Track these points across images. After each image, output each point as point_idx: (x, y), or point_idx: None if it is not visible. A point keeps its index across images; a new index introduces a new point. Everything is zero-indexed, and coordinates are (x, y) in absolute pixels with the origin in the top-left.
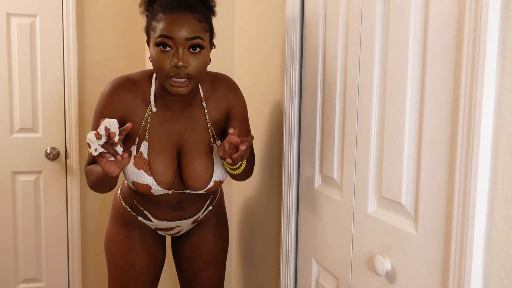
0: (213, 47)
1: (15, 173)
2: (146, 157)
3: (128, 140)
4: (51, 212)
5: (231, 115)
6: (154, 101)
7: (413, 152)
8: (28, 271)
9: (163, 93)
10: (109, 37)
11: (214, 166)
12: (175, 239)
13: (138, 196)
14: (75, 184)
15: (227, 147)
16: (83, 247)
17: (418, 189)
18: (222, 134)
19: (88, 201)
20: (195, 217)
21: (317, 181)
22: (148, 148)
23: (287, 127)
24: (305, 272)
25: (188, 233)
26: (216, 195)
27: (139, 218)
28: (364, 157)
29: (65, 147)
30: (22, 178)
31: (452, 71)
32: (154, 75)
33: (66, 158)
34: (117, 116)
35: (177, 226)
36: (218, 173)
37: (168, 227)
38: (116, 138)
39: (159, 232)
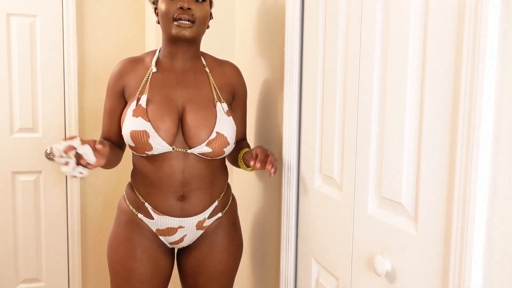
0: (211, 16)
1: (15, 173)
2: (144, 106)
3: (128, 104)
4: (51, 212)
5: (236, 96)
6: (156, 64)
7: (413, 152)
8: (28, 271)
9: (166, 57)
10: (109, 37)
11: (217, 119)
12: (180, 252)
13: (139, 182)
14: (75, 184)
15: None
16: (83, 247)
17: (418, 189)
18: (230, 107)
19: (88, 201)
20: (200, 219)
21: (317, 181)
22: (147, 100)
23: (287, 127)
24: (305, 272)
25: (194, 245)
26: (226, 201)
27: (139, 215)
28: (364, 157)
29: None
30: (22, 178)
31: (452, 70)
32: (159, 48)
33: None
34: (120, 86)
35: (179, 228)
36: (220, 126)
37: (170, 227)
38: (84, 151)
39: (161, 238)
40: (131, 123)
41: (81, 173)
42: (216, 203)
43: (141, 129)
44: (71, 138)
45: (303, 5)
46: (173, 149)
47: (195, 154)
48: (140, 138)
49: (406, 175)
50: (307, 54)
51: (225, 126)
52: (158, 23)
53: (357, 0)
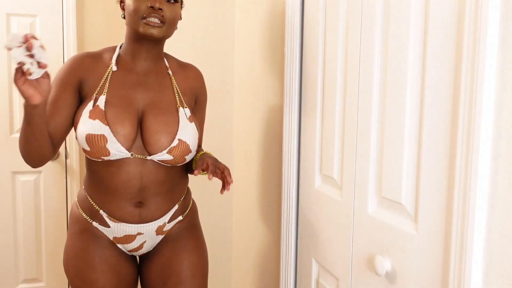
0: (180, 17)
1: (15, 173)
2: (102, 108)
3: (84, 102)
4: (51, 212)
5: (198, 101)
6: (117, 63)
7: (413, 152)
8: (28, 271)
9: (127, 56)
10: (109, 37)
11: (179, 125)
12: (142, 262)
13: (93, 188)
14: (75, 184)
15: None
16: None
17: (418, 189)
18: (192, 112)
19: None
20: (160, 223)
21: (317, 181)
22: (105, 102)
23: (287, 127)
24: (305, 272)
25: (155, 250)
26: (187, 205)
27: (94, 224)
28: (364, 157)
29: (65, 147)
30: (22, 178)
31: (452, 71)
32: (119, 45)
33: (66, 158)
34: (76, 80)
35: (138, 234)
36: (183, 133)
37: (128, 234)
38: (37, 44)
39: (119, 246)
40: (87, 126)
41: (31, 64)
42: (176, 207)
43: (99, 133)
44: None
45: (303, 5)
46: (132, 155)
47: (154, 161)
48: (97, 143)
49: (406, 175)
50: (307, 54)
51: (188, 132)
52: (124, 18)
53: (357, 1)
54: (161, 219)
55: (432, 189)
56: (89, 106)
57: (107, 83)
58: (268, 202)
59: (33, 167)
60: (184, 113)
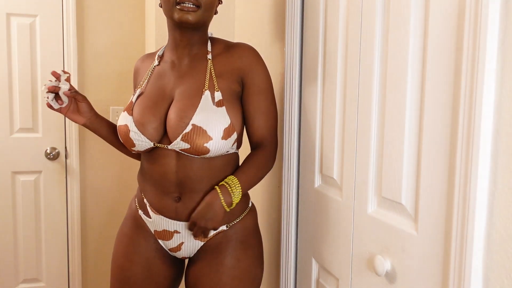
0: (220, 1)
1: (15, 173)
2: (134, 101)
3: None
4: (51, 212)
5: (247, 83)
6: (162, 55)
7: (413, 152)
8: (28, 271)
9: (169, 46)
10: (109, 37)
11: (197, 109)
12: (187, 265)
13: (140, 177)
14: (75, 184)
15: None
16: (83, 247)
17: (418, 189)
18: (234, 97)
19: (88, 201)
20: None
21: (317, 181)
22: (139, 95)
23: (287, 127)
24: (305, 272)
25: (194, 257)
26: (237, 212)
27: (140, 212)
28: (364, 157)
29: (65, 147)
30: (22, 178)
31: (452, 71)
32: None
33: (66, 158)
34: (134, 81)
35: (175, 232)
36: (200, 117)
37: (166, 230)
38: (63, 79)
39: (160, 243)
40: (119, 119)
41: (47, 98)
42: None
43: (123, 123)
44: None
45: (303, 4)
46: (154, 144)
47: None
48: (123, 133)
49: (406, 175)
50: (307, 54)
51: (207, 117)
52: (161, 6)
53: (357, 0)
54: None
55: (432, 189)
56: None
57: (148, 77)
58: (268, 202)
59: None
60: (210, 96)
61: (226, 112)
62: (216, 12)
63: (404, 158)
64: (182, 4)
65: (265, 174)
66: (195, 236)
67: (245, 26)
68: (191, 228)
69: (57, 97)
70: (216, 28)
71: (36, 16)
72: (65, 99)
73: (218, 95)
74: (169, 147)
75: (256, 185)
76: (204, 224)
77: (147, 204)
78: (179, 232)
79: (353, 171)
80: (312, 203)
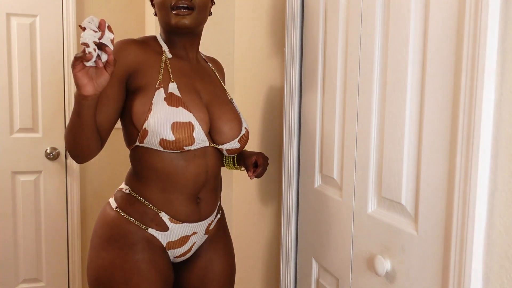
0: (213, 2)
1: (15, 173)
2: (179, 95)
3: (145, 91)
4: (51, 212)
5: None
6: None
7: (413, 152)
8: (28, 271)
9: (172, 44)
10: None
11: (240, 115)
12: (180, 268)
13: (153, 188)
14: (75, 184)
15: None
16: (83, 247)
17: (418, 189)
18: None
19: (88, 201)
20: (210, 221)
21: (317, 181)
22: (178, 88)
23: (287, 127)
24: (305, 272)
25: (197, 253)
26: (219, 199)
27: (150, 230)
28: (364, 157)
29: (65, 147)
30: (22, 178)
31: (452, 71)
32: (155, 35)
33: (66, 158)
34: (123, 70)
35: (193, 234)
36: (245, 122)
37: (185, 235)
38: (109, 36)
39: (169, 252)
40: (170, 114)
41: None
42: (219, 203)
43: (186, 120)
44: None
45: (303, 5)
46: (209, 144)
47: (216, 152)
48: (185, 131)
49: (406, 175)
50: (307, 54)
51: (246, 122)
52: (156, 15)
53: (357, 0)
54: (213, 215)
55: (432, 189)
56: (160, 93)
57: (169, 70)
58: (268, 202)
59: (78, 162)
60: (235, 103)
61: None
62: (210, 14)
63: (404, 158)
64: (177, 9)
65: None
66: (259, 176)
67: (245, 27)
68: (255, 168)
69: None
70: (216, 29)
71: (36, 16)
72: (110, 46)
73: (234, 101)
74: (221, 146)
75: (256, 185)
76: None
77: (166, 217)
78: (197, 233)
79: (353, 171)
80: (312, 203)
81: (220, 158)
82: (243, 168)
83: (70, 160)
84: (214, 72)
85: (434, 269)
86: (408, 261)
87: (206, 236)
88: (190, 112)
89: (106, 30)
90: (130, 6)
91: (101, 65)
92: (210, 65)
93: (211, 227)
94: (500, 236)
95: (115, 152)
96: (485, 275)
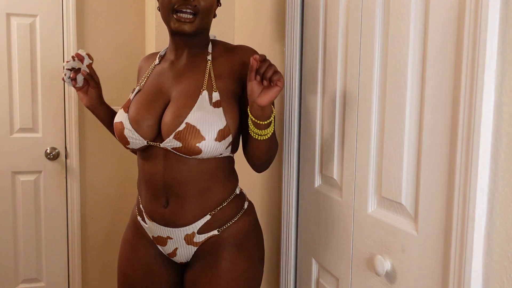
0: (219, 3)
1: (15, 173)
2: (131, 98)
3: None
4: (51, 212)
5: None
6: (164, 55)
7: (413, 152)
8: (28, 271)
9: (170, 48)
10: (109, 37)
11: (193, 108)
12: (185, 271)
13: (138, 181)
14: (75, 184)
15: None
16: (83, 247)
17: (418, 189)
18: (232, 98)
19: (88, 201)
20: (188, 232)
21: (317, 181)
22: (137, 93)
23: (287, 127)
24: (305, 272)
25: (190, 262)
26: (226, 218)
27: (139, 218)
28: (364, 157)
29: (65, 147)
30: (22, 178)
31: (452, 71)
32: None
33: (66, 158)
34: (137, 80)
35: (168, 238)
36: (195, 117)
37: (160, 236)
38: (86, 62)
39: (159, 248)
40: (116, 116)
41: (64, 74)
42: (208, 217)
43: (119, 120)
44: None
45: (303, 4)
46: (147, 142)
47: (176, 154)
48: (118, 130)
49: (406, 175)
50: (307, 54)
51: (202, 117)
52: (159, 10)
53: (357, 0)
54: (188, 227)
55: (432, 189)
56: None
57: (147, 76)
58: (268, 202)
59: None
60: (207, 96)
61: (223, 113)
62: (215, 15)
63: (404, 158)
64: (179, 14)
65: (272, 155)
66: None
67: (245, 26)
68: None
69: (77, 72)
70: (216, 28)
71: (36, 16)
72: (80, 81)
73: (216, 96)
74: (161, 145)
75: (256, 184)
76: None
77: (143, 210)
78: (172, 238)
79: (353, 171)
80: (312, 203)
81: (190, 162)
82: (262, 121)
83: (70, 160)
84: (206, 67)
85: (434, 269)
86: (408, 261)
87: (194, 248)
88: (126, 112)
89: (86, 57)
90: (130, 6)
91: (79, 84)
92: (210, 58)
93: (196, 239)
94: (500, 236)
95: (115, 152)
96: (485, 275)
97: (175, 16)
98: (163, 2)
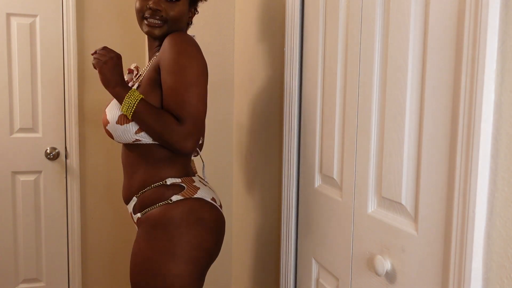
0: (196, 11)
1: (15, 173)
2: None
3: None
4: (51, 212)
5: (161, 68)
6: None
7: (413, 152)
8: (28, 271)
9: (149, 41)
10: (109, 37)
11: (112, 100)
12: None
13: None
14: (75, 184)
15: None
16: (83, 247)
17: (418, 189)
18: (153, 86)
19: (88, 201)
20: (130, 209)
21: (317, 181)
22: None
23: (287, 127)
24: (305, 272)
25: None
26: (145, 203)
27: None
28: (364, 157)
29: (65, 147)
30: (22, 178)
31: (452, 71)
32: None
33: (66, 158)
34: None
35: (131, 214)
36: (110, 106)
37: (131, 213)
38: None
39: None
40: None
41: None
42: (135, 199)
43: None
44: None
45: (303, 4)
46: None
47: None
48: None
49: (406, 175)
50: (307, 54)
51: (113, 105)
52: None
53: (357, 0)
54: (128, 205)
55: (432, 189)
56: None
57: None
58: (268, 202)
59: None
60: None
61: None
62: (190, 23)
63: (404, 158)
64: (148, 20)
65: (158, 135)
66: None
67: (245, 27)
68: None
69: None
70: (216, 29)
71: (36, 16)
72: None
73: (135, 86)
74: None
75: (252, 183)
76: (97, 55)
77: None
78: (132, 213)
79: (353, 171)
80: (312, 203)
81: (130, 148)
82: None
83: (70, 160)
84: (152, 61)
85: (434, 269)
86: (408, 261)
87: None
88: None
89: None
90: (130, 6)
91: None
92: (157, 54)
93: (135, 219)
94: (500, 236)
95: (115, 152)
96: (485, 275)
97: (146, 22)
98: (136, 9)
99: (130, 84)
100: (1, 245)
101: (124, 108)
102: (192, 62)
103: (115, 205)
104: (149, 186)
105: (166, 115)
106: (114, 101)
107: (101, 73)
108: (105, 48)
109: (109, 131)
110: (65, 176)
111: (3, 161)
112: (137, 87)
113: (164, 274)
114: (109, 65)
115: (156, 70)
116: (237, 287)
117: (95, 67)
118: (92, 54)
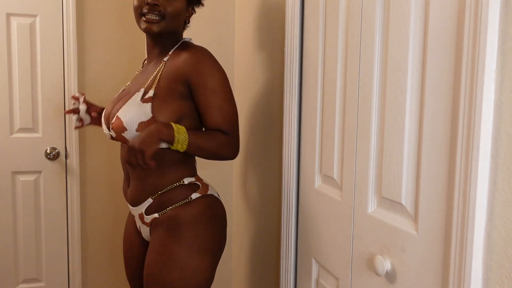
0: (194, 11)
1: (15, 173)
2: (115, 96)
3: None
4: (51, 212)
5: (191, 84)
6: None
7: (413, 152)
8: (28, 271)
9: (148, 41)
10: (109, 37)
11: (126, 104)
12: None
13: None
14: (75, 184)
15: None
16: (83, 247)
17: (418, 189)
18: (173, 96)
19: (88, 201)
20: (139, 211)
21: (317, 181)
22: (121, 92)
23: (287, 127)
24: (305, 272)
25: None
26: (164, 204)
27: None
28: (364, 157)
29: (65, 147)
30: (22, 178)
31: (452, 71)
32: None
33: (66, 158)
34: None
35: (134, 216)
36: (123, 111)
37: (132, 214)
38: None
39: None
40: None
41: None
42: (150, 201)
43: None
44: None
45: (303, 5)
46: (105, 131)
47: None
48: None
49: (406, 175)
50: (307, 54)
51: (129, 111)
52: None
53: (357, 0)
54: (139, 207)
55: (432, 189)
56: None
57: (135, 76)
58: (268, 202)
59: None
60: (142, 93)
61: (150, 108)
62: (188, 22)
63: (404, 158)
64: (146, 16)
65: (214, 154)
66: (129, 162)
67: (245, 26)
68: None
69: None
70: (216, 28)
71: (36, 16)
72: (86, 119)
73: (150, 93)
74: (106, 134)
75: (256, 184)
76: (138, 145)
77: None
78: (135, 216)
79: (353, 171)
80: (312, 203)
81: None
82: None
83: (70, 160)
84: (158, 68)
85: (434, 269)
86: (408, 261)
87: (147, 227)
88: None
89: (80, 97)
90: (130, 5)
91: (86, 122)
92: (166, 60)
93: (146, 220)
94: (500, 236)
95: (115, 152)
96: (485, 275)
97: (143, 19)
98: (134, 7)
99: (136, 93)
100: (1, 245)
101: (179, 145)
102: (221, 75)
103: (115, 205)
104: (167, 187)
105: (215, 134)
106: (126, 106)
107: (151, 145)
108: (129, 150)
109: (125, 138)
110: (65, 176)
111: (3, 161)
112: (153, 95)
113: (194, 269)
114: (147, 145)
115: (181, 83)
116: (237, 287)
117: (143, 163)
118: (73, 97)
